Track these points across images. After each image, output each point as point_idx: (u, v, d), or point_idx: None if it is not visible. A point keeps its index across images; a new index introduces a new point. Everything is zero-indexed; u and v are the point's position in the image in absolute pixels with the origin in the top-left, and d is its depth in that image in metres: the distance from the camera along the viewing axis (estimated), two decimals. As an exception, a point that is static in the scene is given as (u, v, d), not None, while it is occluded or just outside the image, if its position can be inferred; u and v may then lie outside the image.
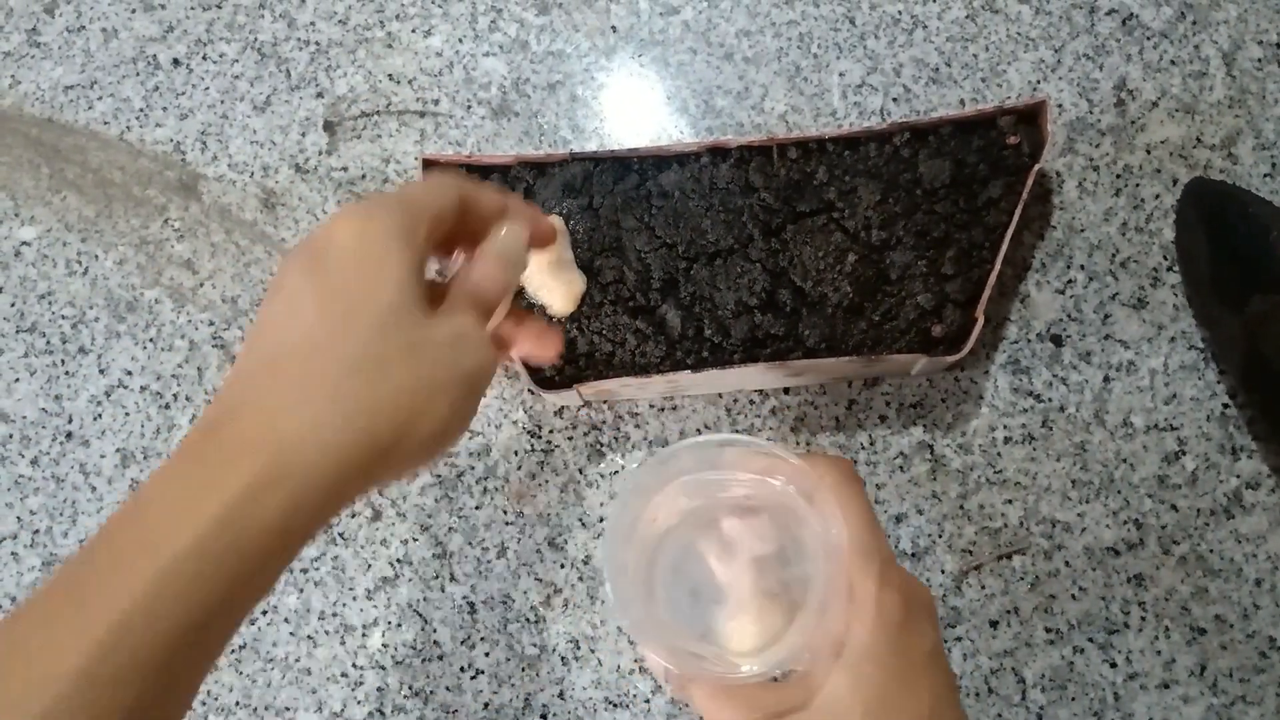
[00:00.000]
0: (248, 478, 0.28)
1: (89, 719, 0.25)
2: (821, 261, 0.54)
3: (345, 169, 0.61)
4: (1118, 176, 0.58)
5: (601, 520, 0.54)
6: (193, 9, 0.65)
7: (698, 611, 0.39)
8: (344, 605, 0.54)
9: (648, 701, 0.52)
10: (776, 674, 0.35)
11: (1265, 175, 0.57)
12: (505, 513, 0.55)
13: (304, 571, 0.55)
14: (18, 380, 0.59)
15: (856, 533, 0.35)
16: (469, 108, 0.62)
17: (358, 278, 0.32)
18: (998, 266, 0.52)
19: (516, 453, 0.56)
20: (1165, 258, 0.56)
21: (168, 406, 0.58)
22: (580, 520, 0.55)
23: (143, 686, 0.26)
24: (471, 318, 0.34)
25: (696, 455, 0.38)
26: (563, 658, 0.53)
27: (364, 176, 0.61)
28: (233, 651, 0.54)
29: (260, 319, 0.32)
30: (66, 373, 0.59)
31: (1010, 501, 0.53)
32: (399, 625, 0.54)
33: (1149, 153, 0.58)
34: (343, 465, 0.30)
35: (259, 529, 0.28)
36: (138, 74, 0.64)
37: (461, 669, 0.53)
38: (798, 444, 0.55)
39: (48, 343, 0.59)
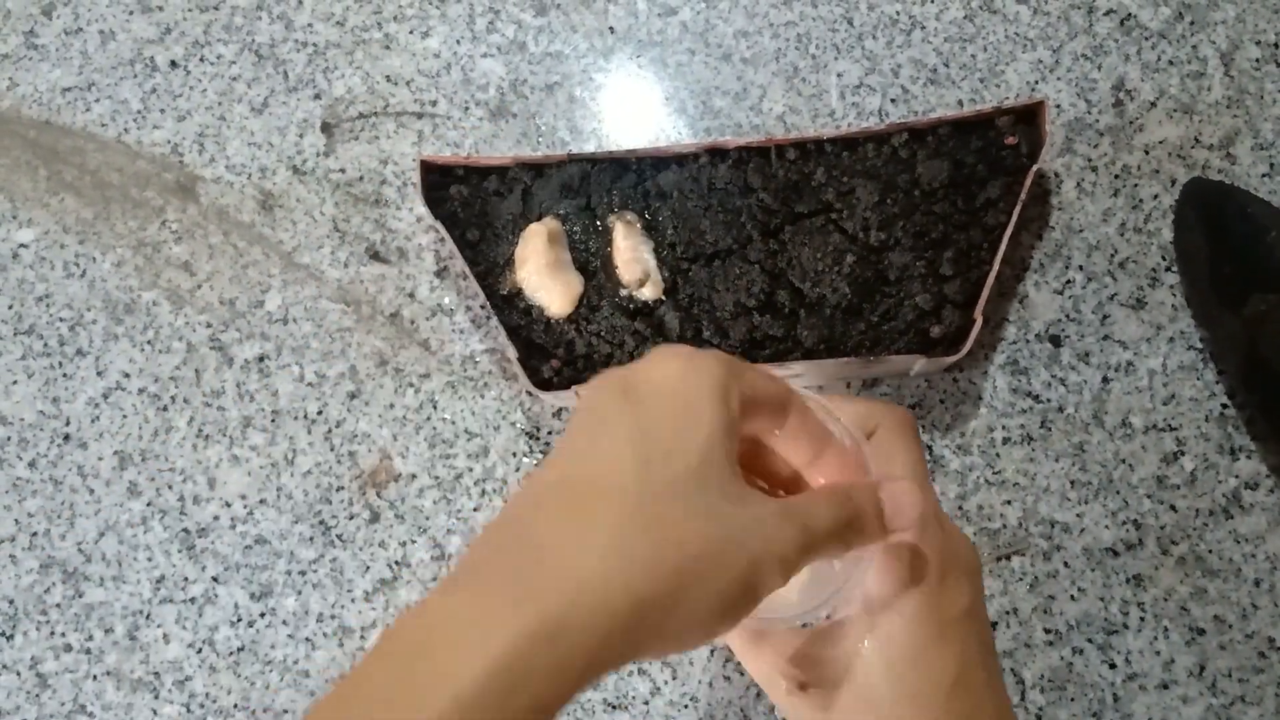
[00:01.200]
0: (538, 618, 0.26)
1: None
2: (820, 263, 0.54)
3: (343, 170, 0.61)
4: (1116, 177, 0.58)
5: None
6: (190, 11, 0.65)
7: None
8: (342, 608, 0.54)
9: (646, 704, 0.52)
10: (807, 621, 0.34)
11: (1263, 175, 0.57)
12: (504, 514, 0.55)
13: (302, 574, 0.55)
14: (15, 382, 0.59)
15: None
16: (467, 109, 0.62)
17: (673, 421, 0.30)
18: (996, 267, 0.52)
19: (515, 454, 0.56)
20: (1164, 258, 0.56)
21: (165, 408, 0.58)
22: (579, 522, 0.54)
23: None
24: (778, 516, 0.30)
25: None
26: (561, 659, 0.53)
27: (361, 178, 0.61)
28: (231, 654, 0.54)
29: (564, 444, 0.30)
30: (64, 375, 0.59)
31: (1009, 502, 0.53)
32: (397, 627, 0.54)
33: (1147, 153, 0.58)
34: (634, 611, 0.27)
35: (541, 674, 0.25)
36: (135, 76, 0.64)
37: (460, 671, 0.53)
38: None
39: (45, 345, 0.59)
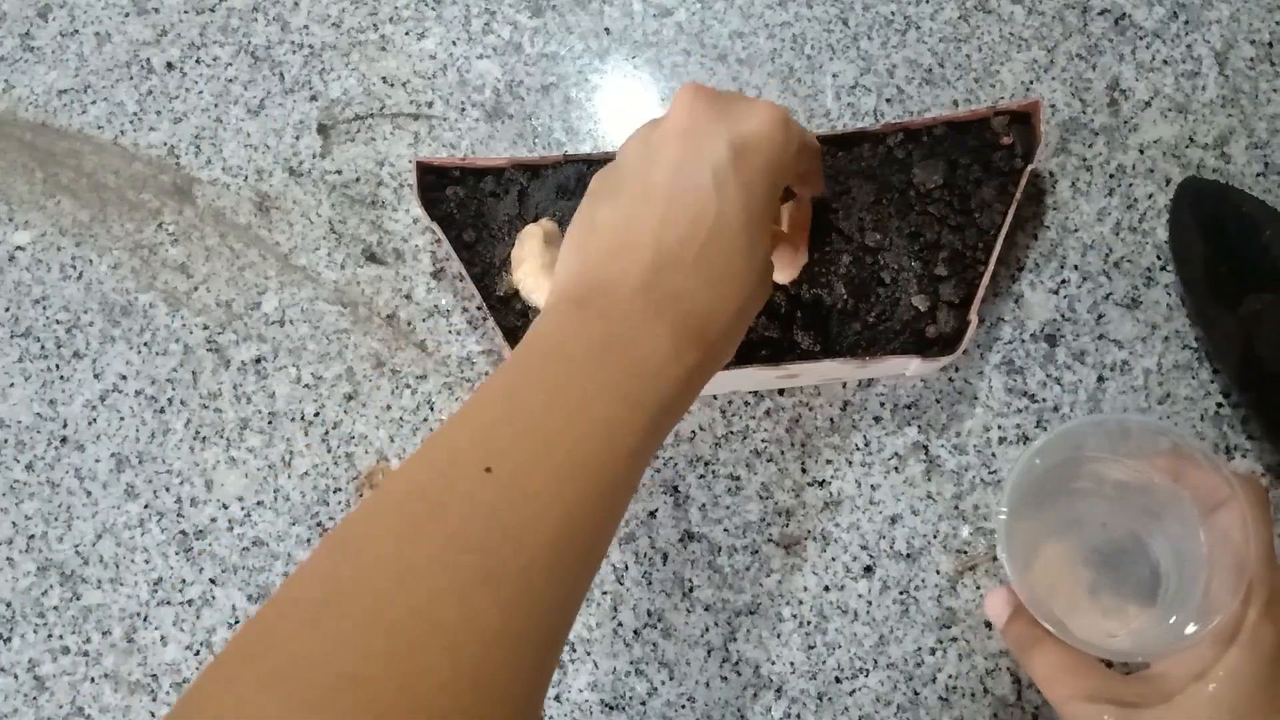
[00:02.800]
0: (705, 359, 0.37)
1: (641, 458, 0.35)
2: (815, 263, 0.54)
3: (339, 172, 0.61)
4: (1111, 176, 0.58)
5: (597, 522, 0.54)
6: (186, 12, 0.65)
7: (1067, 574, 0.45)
8: (340, 609, 0.54)
9: (644, 704, 0.52)
10: (1130, 661, 0.39)
11: (1258, 174, 0.57)
12: (501, 515, 0.55)
13: (300, 575, 0.55)
14: (12, 385, 0.59)
15: (1255, 560, 0.38)
16: (463, 110, 0.62)
17: (769, 186, 0.38)
18: (991, 267, 0.52)
19: (512, 455, 0.56)
20: (1159, 257, 0.56)
21: (162, 411, 0.58)
22: (576, 522, 0.55)
23: (647, 457, 0.36)
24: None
25: (1099, 434, 0.43)
26: (559, 660, 0.53)
27: (358, 179, 0.61)
28: (229, 656, 0.54)
29: (682, 175, 0.37)
30: (61, 377, 0.59)
31: (1005, 502, 0.54)
32: (395, 628, 0.54)
33: (1142, 152, 0.58)
34: (724, 360, 0.39)
35: (688, 399, 0.37)
36: (131, 78, 0.64)
37: (457, 672, 0.53)
38: (793, 445, 0.55)
39: (42, 347, 0.59)
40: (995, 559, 0.53)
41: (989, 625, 0.52)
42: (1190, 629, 0.39)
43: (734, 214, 0.37)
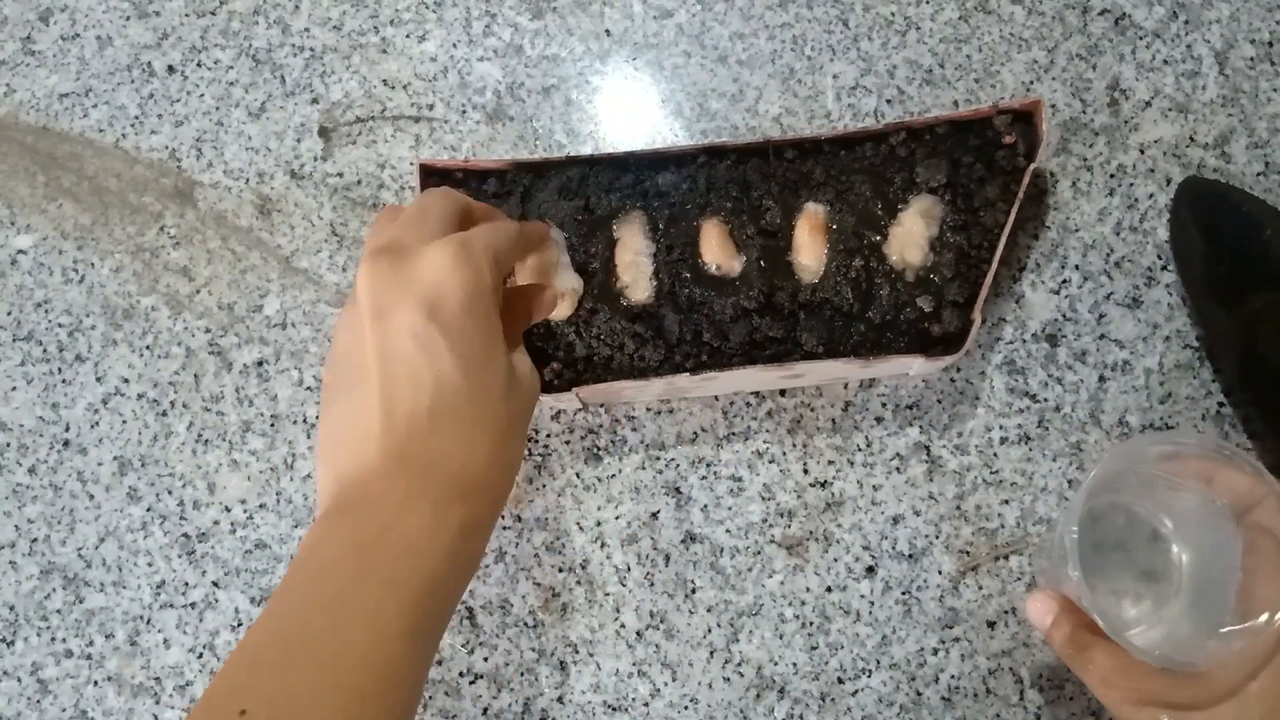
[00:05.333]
0: (461, 513, 0.38)
1: (413, 664, 0.36)
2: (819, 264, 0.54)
3: (340, 175, 0.61)
4: (1111, 176, 0.58)
5: (599, 524, 0.55)
6: (187, 16, 0.65)
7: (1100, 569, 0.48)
8: (343, 611, 0.54)
9: (646, 705, 0.52)
10: (1182, 667, 0.40)
11: (1258, 174, 0.57)
12: (503, 517, 0.55)
13: (302, 577, 0.55)
14: (15, 389, 0.59)
15: None
16: (464, 112, 0.62)
17: (477, 319, 0.39)
18: (994, 267, 0.52)
19: (514, 457, 0.56)
20: (1159, 257, 0.56)
21: (165, 414, 0.58)
22: (578, 524, 0.55)
23: (433, 625, 0.38)
24: (523, 349, 0.43)
25: (1153, 448, 0.44)
26: (561, 662, 0.53)
27: (359, 182, 0.61)
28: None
29: (387, 353, 0.38)
30: (64, 380, 0.59)
31: (1007, 502, 0.54)
32: (398, 630, 0.54)
33: (1142, 152, 0.58)
34: (502, 499, 0.41)
35: (469, 554, 0.39)
36: (133, 81, 0.64)
37: (460, 674, 0.53)
38: (795, 445, 0.55)
39: (44, 351, 0.59)
40: (997, 559, 0.53)
41: (991, 625, 0.52)
42: (1235, 629, 0.40)
43: (451, 367, 0.38)
